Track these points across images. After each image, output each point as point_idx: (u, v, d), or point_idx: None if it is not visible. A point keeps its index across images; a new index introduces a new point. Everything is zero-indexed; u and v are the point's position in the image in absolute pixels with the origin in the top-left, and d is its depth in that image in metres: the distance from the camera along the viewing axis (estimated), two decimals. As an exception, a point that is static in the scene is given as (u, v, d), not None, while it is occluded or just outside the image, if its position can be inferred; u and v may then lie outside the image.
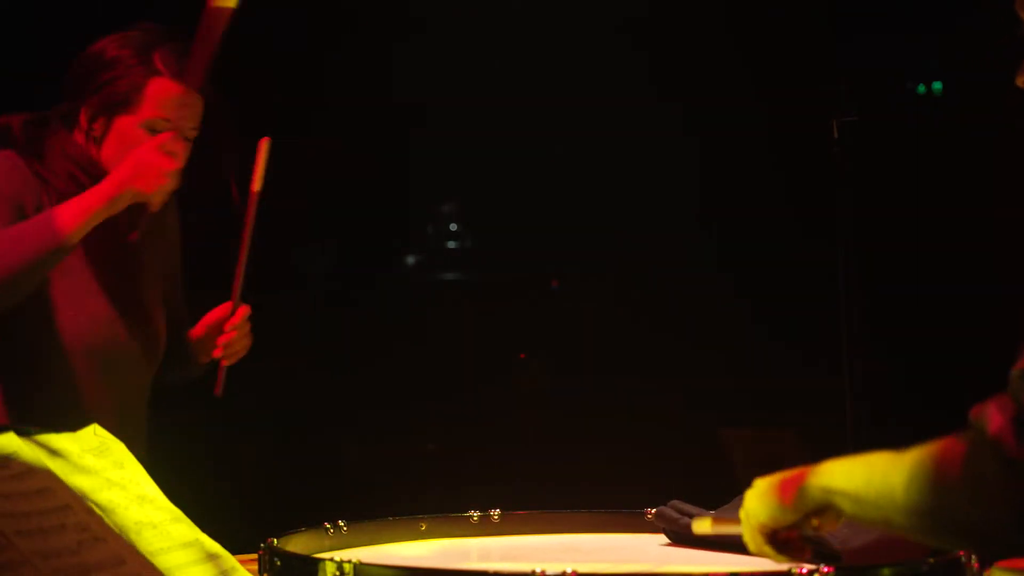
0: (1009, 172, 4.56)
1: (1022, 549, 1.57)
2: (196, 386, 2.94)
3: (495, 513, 2.40)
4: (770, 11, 5.08)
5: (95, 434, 1.98)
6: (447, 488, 4.53)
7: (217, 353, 2.85)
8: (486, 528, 2.39)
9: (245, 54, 2.81)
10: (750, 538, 1.83)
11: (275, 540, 2.03)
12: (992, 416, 1.48)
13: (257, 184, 2.79)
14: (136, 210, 2.69)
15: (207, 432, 4.73)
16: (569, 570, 1.75)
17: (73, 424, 1.96)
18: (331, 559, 1.87)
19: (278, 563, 1.97)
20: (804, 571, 1.75)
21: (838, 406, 3.21)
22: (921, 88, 5.30)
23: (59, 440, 1.90)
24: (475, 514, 2.39)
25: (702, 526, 2.04)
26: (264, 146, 2.79)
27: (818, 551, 1.92)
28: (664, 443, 5.15)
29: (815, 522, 1.76)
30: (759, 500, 1.80)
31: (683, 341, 5.30)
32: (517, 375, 5.87)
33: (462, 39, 5.29)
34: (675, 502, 2.30)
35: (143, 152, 2.61)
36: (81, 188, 2.62)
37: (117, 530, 1.80)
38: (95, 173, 2.66)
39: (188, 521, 1.94)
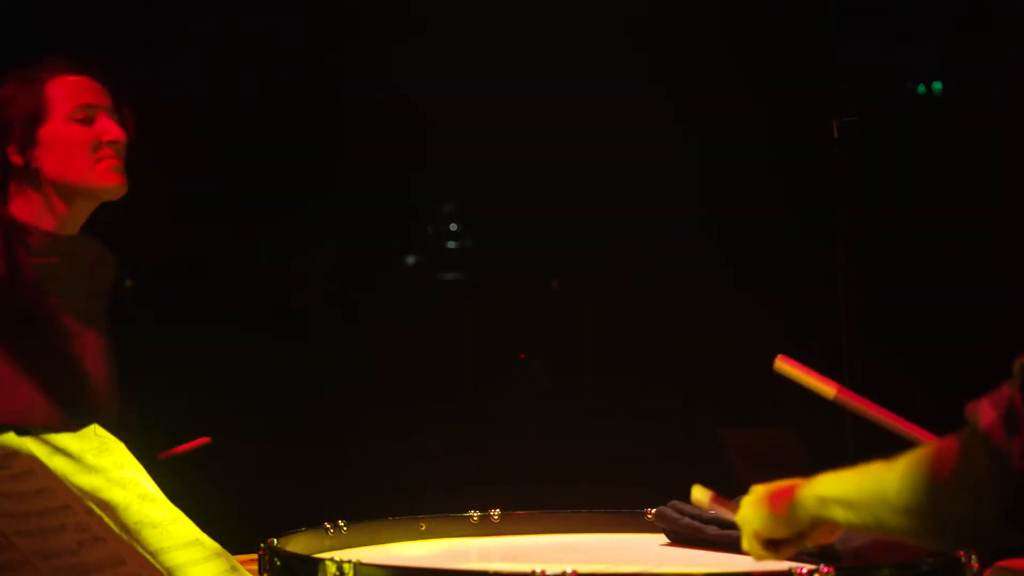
0: (1011, 171, 4.56)
1: (1022, 549, 1.58)
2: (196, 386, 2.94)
3: (495, 513, 2.40)
4: (770, 11, 5.08)
5: (95, 434, 1.98)
6: (447, 488, 4.52)
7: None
8: (486, 528, 2.39)
9: (245, 54, 2.80)
10: (747, 544, 1.84)
11: (275, 540, 2.03)
12: (985, 411, 1.50)
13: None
14: (64, 277, 2.60)
15: (207, 432, 4.72)
16: (569, 570, 1.75)
17: None
18: (331, 559, 1.87)
19: (278, 563, 1.97)
20: (804, 571, 1.75)
21: (838, 406, 3.20)
22: (921, 88, 5.29)
23: (64, 440, 1.91)
24: (475, 514, 2.40)
25: (701, 495, 2.03)
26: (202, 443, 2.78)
27: (818, 551, 1.92)
28: (664, 443, 5.14)
29: (808, 544, 1.78)
30: (753, 508, 1.81)
31: (683, 341, 5.29)
32: (517, 375, 5.87)
33: (462, 39, 5.28)
34: (675, 502, 2.30)
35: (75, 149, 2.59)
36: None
37: (120, 529, 1.80)
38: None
39: (188, 521, 1.94)
